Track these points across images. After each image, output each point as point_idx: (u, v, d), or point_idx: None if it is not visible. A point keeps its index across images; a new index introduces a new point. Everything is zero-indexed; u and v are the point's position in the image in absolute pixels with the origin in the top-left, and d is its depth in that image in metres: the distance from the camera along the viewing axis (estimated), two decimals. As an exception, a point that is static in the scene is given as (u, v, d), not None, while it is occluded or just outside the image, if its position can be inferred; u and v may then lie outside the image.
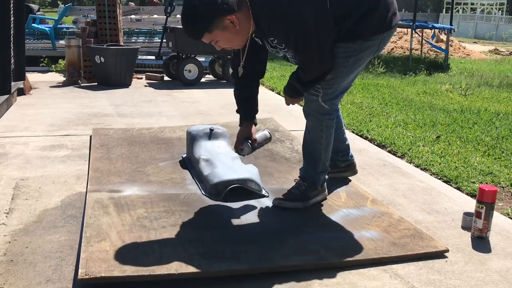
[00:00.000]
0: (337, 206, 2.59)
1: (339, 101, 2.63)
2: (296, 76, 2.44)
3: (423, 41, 11.85)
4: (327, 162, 2.64)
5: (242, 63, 2.52)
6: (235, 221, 2.38)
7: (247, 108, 2.68)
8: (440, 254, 2.18)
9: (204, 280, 1.92)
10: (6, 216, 2.41)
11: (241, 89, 2.67)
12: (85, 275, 1.80)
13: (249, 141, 2.65)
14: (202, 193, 2.67)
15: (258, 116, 2.72)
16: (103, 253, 1.98)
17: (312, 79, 2.40)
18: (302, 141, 2.67)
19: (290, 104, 2.63)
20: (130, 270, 1.87)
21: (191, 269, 1.91)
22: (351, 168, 3.00)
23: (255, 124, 2.70)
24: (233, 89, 2.70)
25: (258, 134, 2.74)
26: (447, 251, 2.20)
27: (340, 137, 2.86)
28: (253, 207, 2.54)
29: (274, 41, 2.39)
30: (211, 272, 1.92)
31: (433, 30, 11.69)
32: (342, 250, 2.14)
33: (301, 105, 2.66)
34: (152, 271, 1.87)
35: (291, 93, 2.53)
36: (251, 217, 2.43)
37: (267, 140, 2.81)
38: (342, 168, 2.98)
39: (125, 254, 1.99)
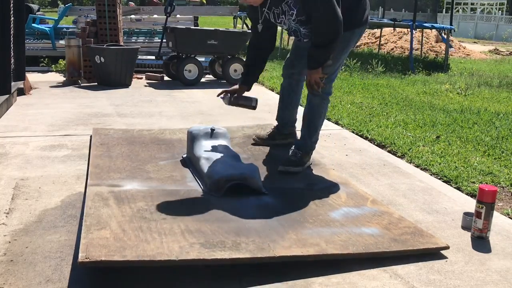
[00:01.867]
0: (337, 205, 2.60)
1: (332, 85, 3.17)
2: (312, 44, 2.88)
3: (423, 41, 11.85)
4: (319, 134, 3.26)
5: (261, 20, 3.03)
6: (236, 216, 2.38)
7: (248, 74, 3.27)
8: (440, 254, 2.18)
9: (203, 279, 1.92)
10: (6, 216, 2.41)
11: (250, 57, 3.27)
12: (85, 258, 1.81)
13: (232, 96, 3.20)
14: (203, 190, 2.68)
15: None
16: (104, 239, 1.99)
17: (326, 40, 2.80)
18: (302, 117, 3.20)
19: (314, 82, 2.93)
20: (130, 256, 1.88)
21: (191, 256, 1.92)
22: (293, 135, 3.58)
23: (248, 90, 3.29)
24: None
25: (246, 97, 3.25)
26: (447, 247, 2.21)
27: (295, 110, 3.50)
28: (253, 204, 2.55)
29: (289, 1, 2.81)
30: (212, 260, 1.93)
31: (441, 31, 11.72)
32: (342, 243, 2.15)
33: (323, 86, 2.99)
34: (152, 257, 1.88)
35: (312, 64, 2.91)
36: (251, 213, 2.44)
37: (250, 104, 3.23)
38: (286, 134, 3.57)
39: (125, 241, 2.00)
